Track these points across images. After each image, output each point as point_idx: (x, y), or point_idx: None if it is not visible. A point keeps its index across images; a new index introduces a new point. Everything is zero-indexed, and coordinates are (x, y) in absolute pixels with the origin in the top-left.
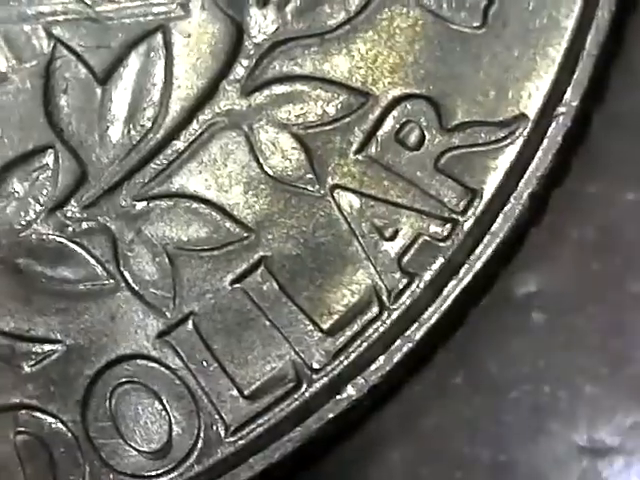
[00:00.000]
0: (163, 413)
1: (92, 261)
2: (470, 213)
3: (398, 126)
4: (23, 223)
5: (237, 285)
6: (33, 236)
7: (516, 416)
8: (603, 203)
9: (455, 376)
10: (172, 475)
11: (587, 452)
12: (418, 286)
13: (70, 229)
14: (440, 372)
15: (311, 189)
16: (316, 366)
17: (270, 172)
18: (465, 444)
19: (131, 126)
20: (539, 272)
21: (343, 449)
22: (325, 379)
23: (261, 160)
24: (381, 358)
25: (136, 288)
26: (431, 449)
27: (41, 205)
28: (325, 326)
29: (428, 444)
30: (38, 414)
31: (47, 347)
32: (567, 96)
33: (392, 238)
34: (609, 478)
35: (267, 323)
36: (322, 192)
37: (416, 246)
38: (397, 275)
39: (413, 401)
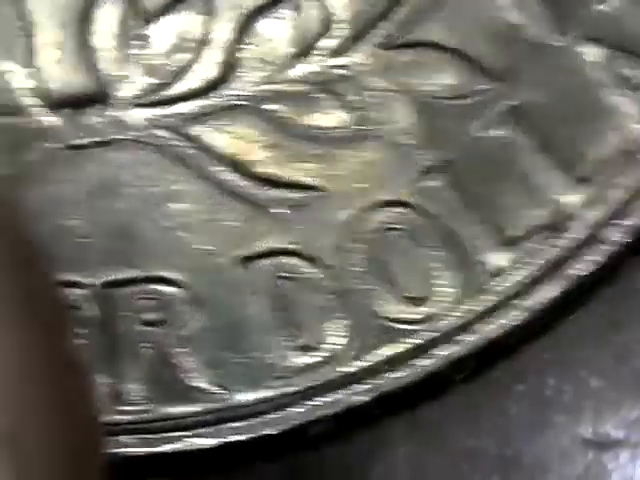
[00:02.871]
0: (424, 260)
1: (344, 109)
2: None
3: None
4: (274, 69)
5: (487, 133)
6: (284, 82)
7: (521, 409)
8: None
9: None
10: (434, 322)
11: (592, 445)
12: None
13: (319, 76)
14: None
15: (556, 41)
16: (574, 214)
17: (514, 22)
18: (470, 437)
19: None
20: None
21: (347, 441)
22: (584, 227)
23: (504, 11)
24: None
25: (389, 136)
26: (436, 442)
27: (291, 51)
28: (581, 175)
29: (433, 437)
30: (296, 260)
31: (304, 193)
32: None
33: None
34: (614, 471)
35: (523, 171)
36: (565, 43)
37: None
38: None
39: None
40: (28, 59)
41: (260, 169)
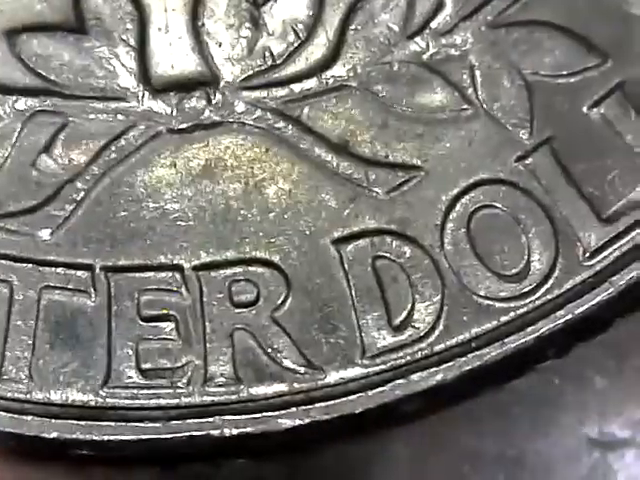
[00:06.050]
0: (521, 237)
1: (450, 88)
2: None
3: None
4: (382, 49)
5: (594, 110)
6: (392, 63)
7: (525, 409)
8: None
9: None
10: (529, 298)
11: (598, 445)
12: None
13: (427, 56)
14: None
15: None
16: None
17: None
18: (473, 437)
19: None
20: None
21: (349, 441)
22: None
23: None
24: None
25: (494, 114)
26: (438, 442)
27: (399, 32)
28: None
29: (435, 437)
30: (397, 239)
31: (405, 173)
32: None
33: None
34: (620, 470)
35: (627, 147)
36: None
37: None
38: None
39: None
40: (138, 44)
41: (362, 150)
